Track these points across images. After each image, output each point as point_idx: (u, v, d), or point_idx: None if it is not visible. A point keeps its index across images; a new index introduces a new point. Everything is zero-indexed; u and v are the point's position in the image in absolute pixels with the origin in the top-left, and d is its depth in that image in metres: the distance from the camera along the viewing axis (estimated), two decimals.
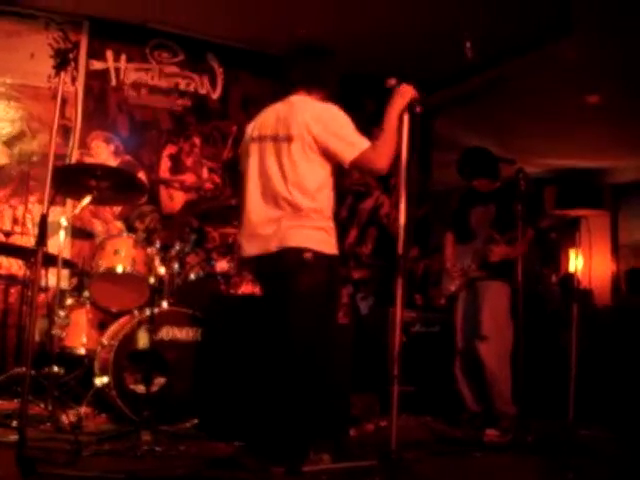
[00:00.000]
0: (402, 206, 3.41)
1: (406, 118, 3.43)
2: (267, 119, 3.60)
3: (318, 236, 3.41)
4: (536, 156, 8.63)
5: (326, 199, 3.49)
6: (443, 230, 5.24)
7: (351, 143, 3.37)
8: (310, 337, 3.38)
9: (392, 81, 3.51)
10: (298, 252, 3.35)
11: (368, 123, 3.73)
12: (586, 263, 7.86)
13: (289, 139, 3.42)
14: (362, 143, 3.37)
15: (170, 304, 4.60)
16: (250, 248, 3.53)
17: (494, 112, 7.36)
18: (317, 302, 3.39)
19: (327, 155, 3.42)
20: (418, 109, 3.41)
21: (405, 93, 3.43)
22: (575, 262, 7.54)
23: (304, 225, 3.39)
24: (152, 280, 4.52)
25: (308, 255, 3.34)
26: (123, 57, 6.25)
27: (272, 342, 3.46)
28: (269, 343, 3.49)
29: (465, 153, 5.10)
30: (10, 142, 4.16)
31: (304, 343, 3.37)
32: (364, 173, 3.49)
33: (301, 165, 3.41)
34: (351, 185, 7.00)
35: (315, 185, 3.43)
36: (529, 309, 4.54)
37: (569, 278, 6.67)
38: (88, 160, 5.93)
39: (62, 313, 4.58)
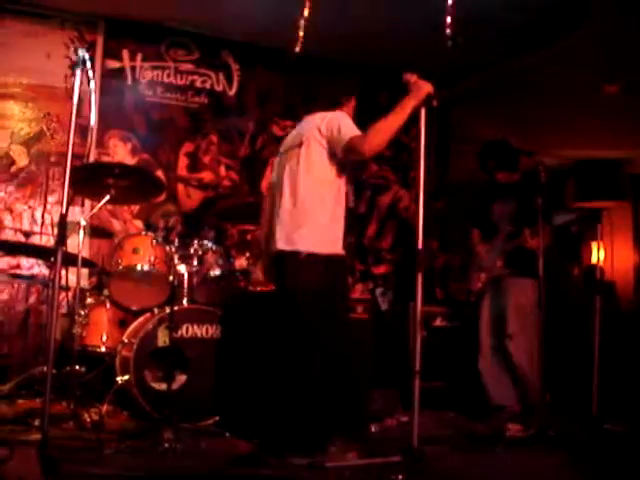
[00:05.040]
0: (421, 200, 3.38)
1: (423, 112, 3.43)
2: (289, 137, 3.92)
3: (313, 238, 3.58)
4: (555, 147, 8.57)
5: (326, 201, 3.64)
6: (469, 228, 5.21)
7: (343, 134, 3.53)
8: (315, 334, 3.52)
9: (409, 76, 3.52)
10: (293, 254, 3.57)
11: (381, 115, 3.74)
12: (608, 255, 7.80)
13: (300, 144, 3.69)
14: (352, 132, 3.52)
15: (190, 301, 4.60)
16: (268, 251, 3.85)
17: (512, 104, 7.31)
18: (316, 300, 3.52)
19: (330, 150, 3.59)
20: (434, 103, 3.42)
21: (421, 88, 3.45)
22: (597, 255, 7.48)
23: (299, 228, 3.59)
24: (171, 278, 4.53)
25: (302, 256, 3.54)
26: (139, 56, 6.26)
27: (283, 339, 3.61)
28: (280, 339, 3.63)
29: (485, 146, 5.07)
30: (28, 143, 4.16)
31: (311, 339, 3.51)
32: (355, 157, 3.60)
33: (303, 167, 3.64)
34: (369, 179, 6.99)
35: (316, 187, 3.62)
36: (552, 303, 4.52)
37: (593, 270, 6.60)
38: (106, 159, 5.95)
39: (82, 312, 4.60)
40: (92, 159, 5.85)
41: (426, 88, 3.44)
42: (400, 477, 3.04)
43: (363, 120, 3.63)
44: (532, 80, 6.76)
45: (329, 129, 3.58)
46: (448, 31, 4.12)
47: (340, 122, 3.58)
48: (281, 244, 3.65)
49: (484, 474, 3.48)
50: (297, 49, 4.69)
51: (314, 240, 3.57)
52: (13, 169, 3.77)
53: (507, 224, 4.85)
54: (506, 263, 4.80)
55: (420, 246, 3.35)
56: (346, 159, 3.59)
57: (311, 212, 3.59)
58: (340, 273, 3.71)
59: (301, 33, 4.60)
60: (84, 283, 5.33)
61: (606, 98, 6.88)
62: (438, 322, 5.62)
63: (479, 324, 4.96)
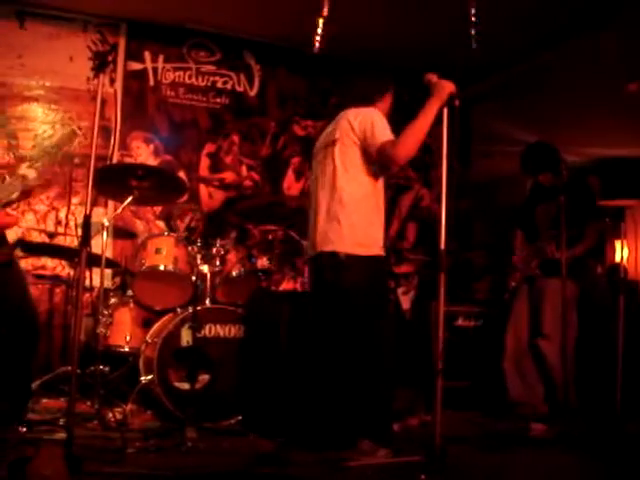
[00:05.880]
0: (443, 200, 3.37)
1: (445, 112, 3.42)
2: (322, 135, 3.88)
3: (350, 239, 3.56)
4: (577, 146, 8.50)
5: (362, 201, 3.61)
6: (513, 229, 5.22)
7: (377, 136, 3.51)
8: (350, 335, 3.52)
9: (430, 76, 3.51)
10: (331, 255, 3.56)
11: (402, 114, 3.75)
12: (632, 254, 7.71)
13: (333, 143, 3.66)
14: (384, 136, 3.51)
15: (212, 301, 4.62)
16: (307, 250, 3.86)
17: (534, 102, 7.26)
18: (354, 302, 3.53)
19: (364, 149, 3.56)
20: (456, 103, 3.40)
21: (443, 88, 3.43)
22: (621, 253, 7.40)
23: (337, 228, 3.57)
24: (194, 278, 4.55)
25: (340, 258, 3.53)
26: (161, 57, 6.30)
27: (315, 338, 3.64)
28: (312, 339, 3.65)
29: (528, 148, 5.08)
30: (59, 145, 4.16)
31: (345, 340, 3.52)
32: (387, 164, 3.60)
33: (339, 166, 3.62)
34: (390, 179, 6.98)
35: (351, 188, 3.60)
36: (579, 302, 4.52)
37: (616, 269, 6.56)
38: (128, 161, 5.99)
39: (106, 312, 4.63)
40: (115, 160, 5.90)
41: (448, 88, 3.42)
42: (422, 477, 3.04)
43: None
44: (554, 78, 6.71)
45: (362, 129, 3.56)
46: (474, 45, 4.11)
47: (373, 121, 3.56)
48: (319, 245, 3.65)
49: (507, 474, 3.47)
50: (317, 46, 4.68)
51: (351, 241, 3.55)
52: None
53: (547, 227, 4.85)
54: (540, 264, 4.80)
55: (442, 246, 3.33)
56: (379, 161, 3.58)
57: (347, 213, 3.57)
58: (379, 275, 3.69)
59: (319, 30, 4.59)
60: (108, 283, 5.37)
61: (629, 96, 6.82)
62: (460, 321, 5.60)
63: (507, 322, 4.96)
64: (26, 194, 3.80)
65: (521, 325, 4.90)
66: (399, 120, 3.59)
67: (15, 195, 3.61)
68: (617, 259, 8.21)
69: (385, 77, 3.96)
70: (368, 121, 3.56)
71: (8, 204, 3.78)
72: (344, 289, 3.56)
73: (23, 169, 3.66)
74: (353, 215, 3.57)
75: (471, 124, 7.29)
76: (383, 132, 3.52)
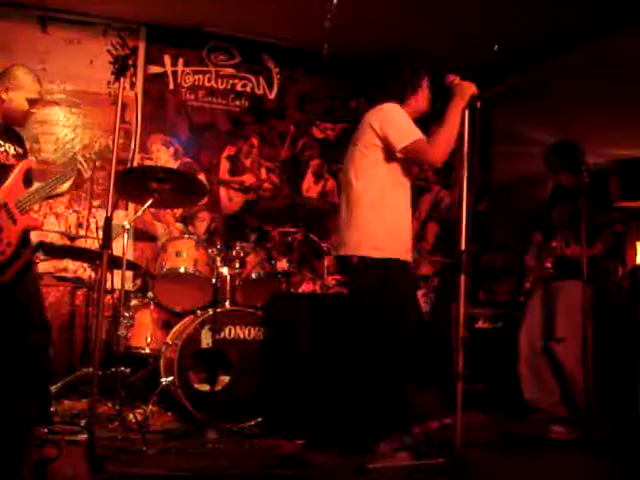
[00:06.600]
0: (464, 201, 3.36)
1: (466, 113, 3.41)
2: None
3: (366, 241, 3.53)
4: (598, 146, 8.44)
5: (381, 203, 3.58)
6: (532, 230, 5.20)
7: (403, 131, 3.48)
8: (368, 337, 3.52)
9: (452, 77, 3.50)
10: (347, 258, 3.57)
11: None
12: None
13: (355, 144, 3.64)
14: (414, 134, 3.48)
15: (232, 303, 4.63)
16: (332, 250, 3.88)
17: (553, 102, 7.23)
18: (369, 306, 3.53)
19: (385, 148, 3.52)
20: (478, 104, 3.39)
21: (466, 90, 3.42)
22: None
23: (354, 231, 3.56)
24: (214, 280, 4.57)
25: (354, 260, 3.53)
26: (180, 61, 6.33)
27: (335, 340, 3.67)
28: (332, 341, 3.68)
29: (553, 146, 5.06)
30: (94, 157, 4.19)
31: (363, 342, 3.52)
32: (417, 163, 3.58)
33: (357, 168, 3.59)
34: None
35: (369, 190, 3.56)
36: (596, 305, 4.48)
37: (637, 271, 6.52)
38: (149, 164, 6.02)
39: (127, 314, 4.65)
40: (135, 163, 5.94)
41: (470, 89, 3.41)
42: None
43: None
44: (573, 78, 6.68)
45: (381, 127, 3.52)
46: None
47: (395, 118, 3.53)
48: (338, 247, 3.65)
49: (527, 476, 3.45)
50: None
51: (367, 244, 3.52)
52: (77, 180, 3.85)
53: (564, 227, 4.82)
54: (555, 265, 4.77)
55: (463, 247, 3.32)
56: (408, 159, 3.54)
57: (364, 215, 3.55)
58: (396, 278, 3.59)
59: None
60: (129, 285, 5.40)
61: None
62: (480, 324, 5.58)
63: (521, 325, 4.93)
64: (78, 184, 3.88)
65: (535, 327, 4.87)
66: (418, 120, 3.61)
67: (69, 182, 3.71)
68: (638, 261, 8.16)
69: (416, 69, 3.79)
70: (388, 118, 3.53)
71: (55, 196, 3.87)
72: (357, 292, 3.56)
73: (79, 157, 3.76)
74: (370, 217, 3.54)
75: (492, 125, 7.26)
76: (409, 130, 3.49)
